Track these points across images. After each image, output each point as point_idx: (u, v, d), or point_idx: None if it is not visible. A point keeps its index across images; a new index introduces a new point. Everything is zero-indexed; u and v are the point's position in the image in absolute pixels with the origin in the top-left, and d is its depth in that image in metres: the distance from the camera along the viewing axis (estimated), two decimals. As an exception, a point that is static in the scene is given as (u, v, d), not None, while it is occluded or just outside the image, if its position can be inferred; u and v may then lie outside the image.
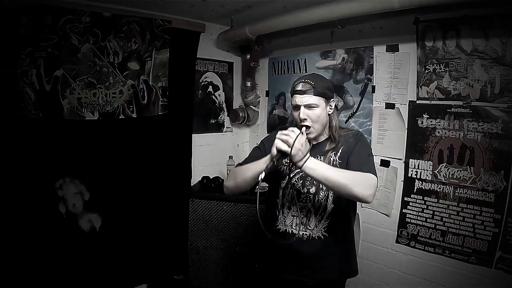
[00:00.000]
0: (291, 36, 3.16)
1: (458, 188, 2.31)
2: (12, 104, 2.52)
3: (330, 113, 1.86)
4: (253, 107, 3.68)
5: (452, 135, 2.32)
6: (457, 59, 2.27)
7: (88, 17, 2.72)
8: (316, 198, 1.84)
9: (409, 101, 2.53)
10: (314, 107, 1.76)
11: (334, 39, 2.94)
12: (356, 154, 1.79)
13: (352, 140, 1.86)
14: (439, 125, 2.38)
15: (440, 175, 2.39)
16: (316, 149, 1.86)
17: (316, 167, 1.62)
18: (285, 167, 1.89)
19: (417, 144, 2.50)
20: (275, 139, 1.65)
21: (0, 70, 2.46)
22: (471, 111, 2.24)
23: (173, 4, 2.88)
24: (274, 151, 1.61)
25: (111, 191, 2.95)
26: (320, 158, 1.83)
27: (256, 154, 1.93)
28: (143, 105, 3.07)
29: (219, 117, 3.69)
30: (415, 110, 2.50)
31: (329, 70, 3.03)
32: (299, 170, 1.73)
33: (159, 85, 3.13)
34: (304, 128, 1.74)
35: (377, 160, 2.71)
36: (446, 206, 2.37)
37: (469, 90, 2.24)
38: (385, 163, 2.69)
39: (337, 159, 1.83)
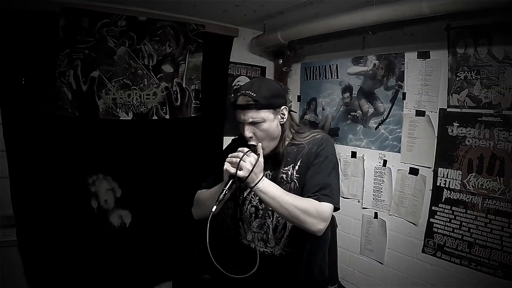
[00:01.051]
0: (323, 42, 3.24)
1: (487, 199, 2.30)
2: (50, 103, 2.67)
3: (282, 122, 1.70)
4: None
5: (482, 144, 2.32)
6: (489, 66, 2.27)
7: (124, 21, 2.86)
8: (275, 215, 1.74)
9: (440, 108, 2.54)
10: (260, 122, 1.60)
11: (366, 45, 3.00)
12: (314, 170, 1.65)
13: (314, 148, 1.70)
14: (469, 133, 2.38)
15: (469, 185, 2.39)
16: (273, 163, 1.73)
17: (267, 190, 1.52)
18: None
19: (447, 152, 2.50)
20: (231, 152, 1.56)
21: (40, 70, 2.63)
22: (502, 120, 2.23)
23: (207, 9, 3.01)
24: (225, 177, 1.50)
25: (142, 190, 3.09)
26: (278, 172, 1.72)
27: (216, 171, 1.71)
28: (176, 107, 3.21)
29: (250, 120, 3.78)
30: (445, 118, 2.51)
31: (360, 76, 3.08)
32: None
33: (192, 87, 3.27)
34: (259, 145, 1.59)
35: (406, 168, 2.75)
36: (474, 217, 2.36)
37: (501, 99, 2.23)
38: (414, 171, 2.71)
39: (295, 173, 1.71)
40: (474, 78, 2.35)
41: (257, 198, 1.71)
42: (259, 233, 1.77)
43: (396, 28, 2.66)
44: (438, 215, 2.55)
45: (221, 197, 1.46)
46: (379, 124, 2.95)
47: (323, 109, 3.46)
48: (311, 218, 1.52)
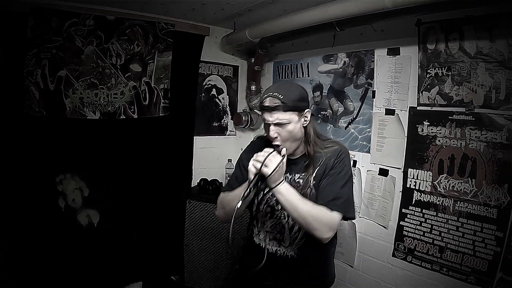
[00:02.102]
0: (294, 40, 2.95)
1: (458, 202, 2.02)
2: (17, 102, 2.52)
3: (305, 125, 1.63)
4: (257, 111, 3.49)
5: (454, 144, 2.04)
6: (460, 62, 1.99)
7: (92, 20, 2.68)
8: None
9: (410, 107, 2.26)
10: (286, 123, 1.54)
11: (336, 43, 2.70)
12: (330, 180, 1.59)
13: (332, 159, 1.62)
14: (440, 133, 2.10)
15: (439, 187, 2.11)
16: (293, 166, 1.67)
17: (286, 193, 1.49)
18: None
19: (417, 153, 2.22)
20: (252, 153, 1.55)
21: (7, 70, 2.47)
22: (474, 119, 1.95)
23: (175, 7, 2.77)
24: (250, 176, 1.49)
25: (110, 189, 2.88)
26: (297, 176, 1.67)
27: (238, 175, 1.78)
28: (144, 106, 2.96)
29: (223, 120, 3.52)
30: (415, 116, 2.23)
31: (330, 74, 2.81)
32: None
33: (161, 87, 3.02)
34: (284, 150, 1.55)
35: (375, 169, 2.48)
36: (445, 220, 2.08)
37: (472, 96, 1.95)
38: (383, 172, 2.43)
39: (312, 179, 1.64)
40: (445, 74, 2.07)
41: (274, 199, 1.65)
42: (272, 232, 1.71)
43: (365, 24, 2.37)
44: (408, 218, 2.27)
45: (246, 193, 1.47)
46: (349, 123, 2.68)
47: (294, 108, 3.16)
48: (320, 226, 1.50)
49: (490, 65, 1.88)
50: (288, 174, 1.66)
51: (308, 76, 3.01)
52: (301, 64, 3.07)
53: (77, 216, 2.78)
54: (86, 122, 2.75)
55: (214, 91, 3.43)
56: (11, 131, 2.50)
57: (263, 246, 1.71)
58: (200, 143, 3.33)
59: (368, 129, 2.53)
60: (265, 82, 3.49)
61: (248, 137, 3.68)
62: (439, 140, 2.11)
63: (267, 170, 1.44)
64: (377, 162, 2.47)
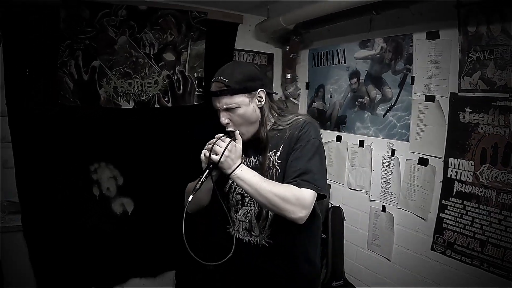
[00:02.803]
0: (329, 25, 2.96)
1: (502, 193, 1.99)
2: (52, 92, 2.63)
3: (260, 106, 1.56)
4: (293, 100, 3.54)
5: (497, 132, 2.01)
6: (503, 45, 1.95)
7: (125, 11, 2.77)
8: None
9: (450, 93, 2.24)
10: (235, 107, 1.48)
11: (373, 28, 2.71)
12: (296, 155, 1.51)
13: (296, 132, 1.54)
14: (482, 120, 2.08)
15: (482, 177, 2.09)
16: (253, 149, 1.62)
17: (245, 177, 1.42)
18: None
19: (458, 141, 2.21)
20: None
21: (42, 61, 2.58)
22: (518, 105, 1.91)
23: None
24: (203, 165, 1.46)
25: (144, 178, 2.99)
26: (256, 159, 1.62)
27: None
28: (178, 95, 3.07)
29: (259, 109, 3.58)
30: (456, 103, 2.21)
31: (367, 60, 2.81)
32: None
33: (195, 75, 3.11)
34: (237, 132, 1.50)
35: (415, 158, 2.48)
36: (487, 213, 2.06)
37: (517, 81, 1.92)
38: (423, 162, 2.43)
39: (277, 159, 1.57)
40: (487, 58, 2.04)
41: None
42: (244, 221, 1.65)
43: (403, 7, 2.36)
44: (448, 210, 2.27)
45: (197, 185, 1.39)
46: (387, 111, 2.68)
47: (330, 96, 3.20)
48: (290, 206, 1.40)
49: (536, 47, 1.84)
50: (250, 157, 1.63)
51: (345, 62, 3.02)
52: (337, 50, 3.08)
53: (112, 205, 2.91)
54: (120, 112, 2.86)
55: (249, 80, 3.48)
56: (47, 121, 2.62)
57: (237, 236, 1.65)
58: (235, 131, 3.40)
59: (407, 117, 2.53)
60: (301, 70, 3.52)
61: (283, 126, 3.75)
62: (481, 128, 2.09)
63: (216, 158, 1.40)
64: (417, 151, 2.47)
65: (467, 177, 2.17)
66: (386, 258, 2.68)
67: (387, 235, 2.67)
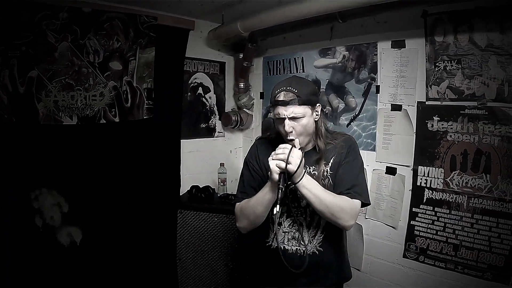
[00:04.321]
0: (287, 33, 2.99)
1: (473, 198, 2.14)
2: None
3: (316, 119, 1.75)
4: (247, 110, 3.52)
5: (466, 139, 2.15)
6: (471, 55, 2.10)
7: (66, 13, 2.57)
8: (308, 212, 1.78)
9: (418, 102, 2.36)
10: (300, 117, 1.65)
11: (334, 35, 2.78)
12: (346, 168, 1.74)
13: (344, 147, 1.78)
14: (451, 128, 2.21)
15: (452, 184, 2.22)
16: (306, 160, 1.70)
17: (310, 186, 1.60)
18: None
19: (427, 149, 2.33)
20: (260, 155, 1.83)
21: None
22: (486, 113, 2.06)
23: (159, -2, 2.72)
24: (274, 176, 1.54)
25: (92, 203, 2.78)
26: (311, 169, 1.77)
27: (249, 179, 1.87)
28: (126, 109, 2.91)
29: (210, 121, 3.52)
30: (424, 112, 2.33)
31: (328, 69, 2.87)
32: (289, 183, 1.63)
33: (144, 86, 2.97)
34: (297, 142, 1.65)
35: (382, 168, 2.57)
36: (459, 217, 2.19)
37: (484, 90, 2.07)
38: (391, 171, 2.52)
39: (329, 169, 1.77)
40: (455, 68, 2.18)
41: (290, 196, 1.74)
42: (290, 232, 1.79)
43: (367, 15, 2.45)
44: (419, 217, 2.38)
45: (280, 195, 1.52)
46: (351, 120, 2.75)
47: (288, 105, 3.20)
48: (345, 214, 1.63)
49: (502, 57, 2.00)
50: (307, 166, 1.76)
51: (303, 71, 3.06)
52: (295, 58, 3.12)
53: (57, 235, 2.68)
54: (62, 128, 2.65)
55: (200, 90, 3.41)
56: None
57: (283, 247, 1.78)
58: (187, 146, 3.31)
59: (373, 126, 2.61)
60: (254, 79, 3.52)
61: (237, 138, 3.71)
62: (450, 136, 2.21)
63: (292, 167, 1.51)
64: (384, 160, 2.56)
65: (437, 184, 2.29)
66: (356, 269, 2.72)
67: (356, 246, 2.73)
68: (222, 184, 3.23)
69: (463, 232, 2.18)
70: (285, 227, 1.80)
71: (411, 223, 2.41)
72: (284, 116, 1.64)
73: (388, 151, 2.54)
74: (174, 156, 3.21)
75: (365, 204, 1.72)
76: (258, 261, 1.96)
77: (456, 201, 2.21)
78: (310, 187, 1.59)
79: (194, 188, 3.14)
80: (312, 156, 1.78)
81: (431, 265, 2.32)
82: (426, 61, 2.29)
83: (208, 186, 3.18)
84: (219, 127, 3.57)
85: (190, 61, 3.30)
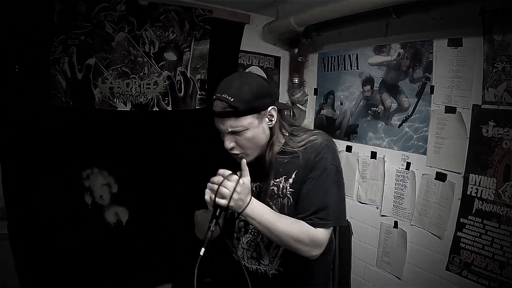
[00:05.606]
0: (341, 28, 2.96)
1: (526, 213, 1.98)
2: (43, 91, 2.55)
3: (271, 125, 1.44)
4: (300, 106, 3.52)
5: (523, 148, 2.00)
6: (532, 56, 1.95)
7: (124, 5, 2.71)
8: None
9: (473, 105, 2.23)
10: (242, 130, 1.37)
11: (389, 32, 2.69)
12: (310, 187, 1.42)
13: (312, 159, 1.43)
14: (507, 135, 2.06)
15: (504, 196, 2.07)
16: (257, 172, 1.47)
17: (256, 215, 1.34)
18: None
19: (480, 156, 2.19)
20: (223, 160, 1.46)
21: (34, 57, 2.50)
22: (546, 120, 1.91)
23: (215, -8, 2.81)
24: (210, 208, 1.33)
25: (141, 186, 2.92)
26: (259, 184, 1.52)
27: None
28: (179, 98, 3.02)
29: (263, 115, 3.55)
30: (479, 116, 2.20)
31: (382, 66, 2.80)
32: None
33: (197, 77, 3.07)
34: (244, 162, 1.37)
35: (432, 173, 2.46)
36: (508, 233, 2.05)
37: (546, 94, 1.91)
38: (441, 177, 2.41)
39: (288, 186, 1.47)
40: (514, 69, 2.03)
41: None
42: (249, 250, 1.59)
43: (423, 11, 2.35)
44: (466, 229, 2.25)
45: (209, 234, 1.30)
46: (403, 121, 2.66)
47: (341, 103, 3.19)
48: (303, 246, 1.37)
49: None
50: (258, 182, 1.53)
51: (357, 68, 3.01)
52: (349, 55, 3.07)
53: (105, 214, 2.84)
54: (116, 114, 2.78)
55: (254, 83, 3.46)
56: (37, 123, 2.54)
57: (243, 264, 1.57)
58: (237, 139, 3.38)
59: (425, 128, 2.51)
60: (309, 75, 3.51)
61: (289, 134, 3.72)
62: (505, 143, 2.07)
63: (224, 202, 1.29)
64: (434, 165, 2.45)
65: (488, 194, 2.15)
66: (397, 277, 2.66)
67: (399, 253, 2.65)
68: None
69: (512, 250, 2.03)
70: (243, 243, 1.59)
71: (457, 234, 2.29)
72: (223, 131, 1.41)
73: (439, 155, 2.43)
74: (222, 147, 3.28)
75: (337, 225, 1.49)
76: (224, 272, 1.75)
77: (507, 215, 2.06)
78: (256, 216, 1.34)
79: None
80: (263, 169, 1.48)
81: (474, 281, 2.19)
82: (484, 62, 2.16)
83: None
84: (271, 121, 3.60)
85: (244, 54, 3.35)
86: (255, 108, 1.37)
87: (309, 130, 1.59)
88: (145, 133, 2.91)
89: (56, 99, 2.60)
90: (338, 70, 3.21)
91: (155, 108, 2.94)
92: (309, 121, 3.55)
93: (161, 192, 3.00)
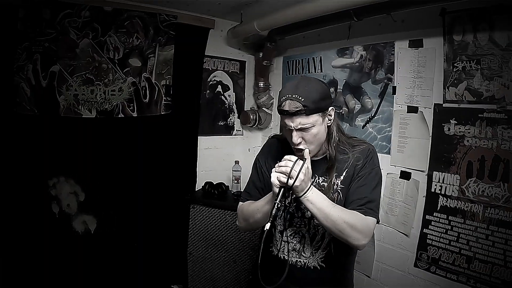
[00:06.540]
0: (305, 32, 2.89)
1: (489, 208, 1.96)
2: (6, 99, 2.47)
3: (329, 124, 1.55)
4: (266, 109, 3.46)
5: (484, 144, 1.98)
6: (490, 55, 1.93)
7: (88, 11, 2.63)
8: (312, 224, 1.61)
9: (435, 104, 2.21)
10: (310, 127, 1.45)
11: (352, 35, 2.64)
12: (361, 182, 1.53)
13: (361, 160, 1.56)
14: (468, 132, 2.04)
15: (468, 192, 2.05)
16: (315, 168, 1.56)
17: (315, 200, 1.42)
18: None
19: (443, 154, 2.17)
20: (269, 157, 1.67)
21: None
22: (506, 117, 1.89)
23: (178, -3, 2.72)
24: (275, 189, 1.40)
25: (108, 193, 2.84)
26: (320, 179, 1.60)
27: (255, 180, 1.76)
28: (144, 104, 2.92)
29: (229, 119, 3.48)
30: (441, 114, 2.18)
31: (345, 69, 2.76)
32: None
33: (162, 83, 2.97)
34: (307, 152, 1.47)
35: (396, 172, 2.42)
36: (473, 228, 2.02)
37: (504, 92, 1.89)
38: (405, 175, 2.38)
39: (339, 183, 1.57)
40: (473, 68, 2.01)
41: (294, 205, 1.63)
42: (291, 242, 1.64)
43: (384, 14, 2.31)
44: (432, 225, 2.22)
45: (274, 211, 1.38)
46: (367, 122, 2.63)
47: (306, 106, 3.11)
48: (357, 233, 1.43)
49: (524, 57, 1.82)
50: (317, 176, 1.61)
51: (321, 71, 2.96)
52: (313, 58, 3.02)
53: (73, 223, 2.75)
54: (81, 121, 2.70)
55: (219, 88, 3.39)
56: (1, 131, 2.46)
57: (282, 257, 1.63)
58: (205, 143, 3.30)
59: (388, 128, 2.48)
60: (274, 78, 3.45)
61: (256, 137, 3.65)
62: (467, 141, 2.05)
63: (291, 181, 1.37)
64: (398, 164, 2.42)
65: (452, 191, 2.12)
66: (366, 275, 2.60)
67: (367, 252, 2.59)
68: (236, 181, 3.17)
69: (477, 244, 2.01)
70: (287, 235, 1.64)
71: (423, 231, 2.26)
72: (291, 128, 1.46)
73: (403, 154, 2.40)
74: (190, 152, 3.21)
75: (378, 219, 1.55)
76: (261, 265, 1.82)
77: (472, 210, 2.03)
78: (316, 202, 1.42)
79: (208, 184, 3.12)
80: (323, 165, 1.60)
81: (442, 277, 2.16)
82: (444, 61, 2.14)
83: (221, 183, 3.14)
84: (237, 125, 3.53)
85: (209, 59, 3.28)
86: (321, 107, 1.46)
87: (354, 136, 1.74)
88: (111, 140, 2.83)
89: (20, 107, 2.52)
90: (302, 73, 3.16)
91: (120, 115, 2.84)
92: (275, 124, 3.48)
93: (129, 199, 2.91)
